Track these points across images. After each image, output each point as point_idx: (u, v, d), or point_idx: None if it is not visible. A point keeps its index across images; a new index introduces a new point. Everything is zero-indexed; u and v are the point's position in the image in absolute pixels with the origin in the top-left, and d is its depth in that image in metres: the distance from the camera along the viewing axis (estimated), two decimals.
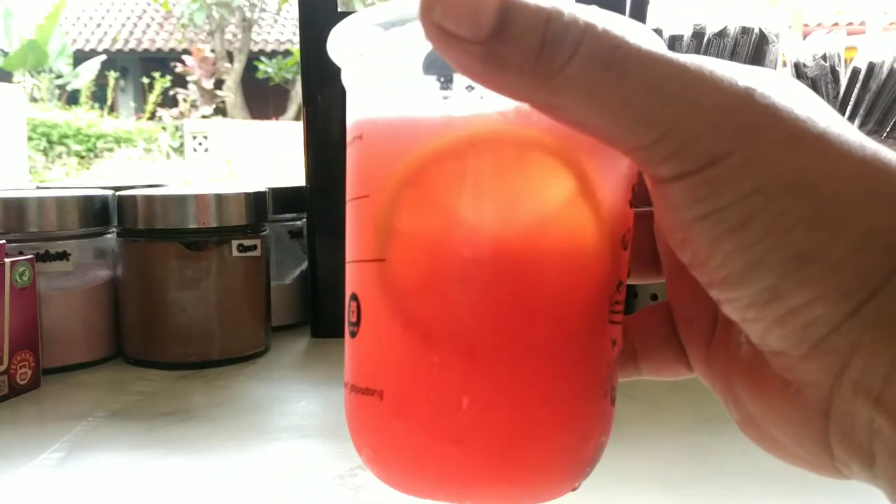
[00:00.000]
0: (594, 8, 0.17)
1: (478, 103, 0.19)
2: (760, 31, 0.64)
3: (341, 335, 0.24)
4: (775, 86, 0.18)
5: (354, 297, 0.22)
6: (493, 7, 0.16)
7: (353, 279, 0.22)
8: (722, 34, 0.65)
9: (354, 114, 0.23)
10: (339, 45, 0.22)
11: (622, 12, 0.61)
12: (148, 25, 9.50)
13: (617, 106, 0.16)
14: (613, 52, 0.16)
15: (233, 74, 8.16)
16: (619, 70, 0.16)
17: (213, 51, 8.22)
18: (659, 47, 0.17)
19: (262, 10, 8.70)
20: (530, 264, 0.20)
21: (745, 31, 0.64)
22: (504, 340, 0.20)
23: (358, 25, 0.21)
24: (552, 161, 0.20)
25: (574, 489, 0.22)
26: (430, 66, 0.20)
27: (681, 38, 0.66)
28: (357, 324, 0.22)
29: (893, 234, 0.17)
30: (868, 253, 0.17)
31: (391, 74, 0.21)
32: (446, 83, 0.20)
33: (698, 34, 0.66)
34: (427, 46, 0.18)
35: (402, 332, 0.21)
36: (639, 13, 0.66)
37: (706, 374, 0.23)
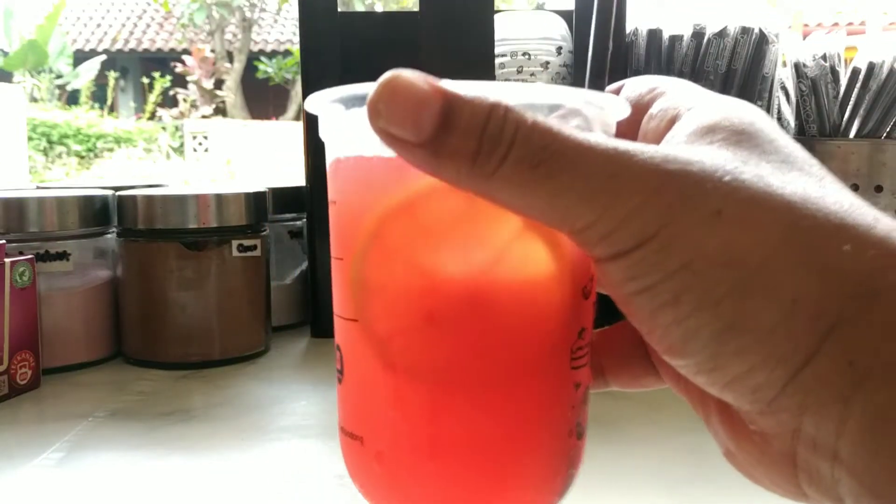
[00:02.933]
0: (540, 85, 0.18)
1: None
2: (760, 31, 0.64)
3: None
4: (712, 148, 0.18)
5: (338, 347, 0.24)
6: (435, 111, 0.17)
7: (337, 331, 0.24)
8: (722, 34, 0.65)
9: (328, 179, 0.24)
10: (318, 116, 0.24)
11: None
12: (148, 25, 9.49)
13: (546, 200, 0.18)
14: (543, 152, 0.17)
15: (233, 74, 8.16)
16: (546, 170, 0.17)
17: (213, 51, 8.22)
18: (595, 135, 0.18)
19: (262, 10, 8.70)
20: (490, 308, 0.21)
21: (745, 31, 0.64)
22: (468, 386, 0.22)
23: (324, 101, 0.22)
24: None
25: None
26: None
27: (681, 38, 0.66)
28: (342, 371, 0.24)
29: (821, 302, 0.17)
30: (798, 319, 0.17)
31: (352, 147, 0.23)
32: None
33: (698, 34, 0.66)
34: None
35: (376, 384, 0.23)
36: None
37: (684, 394, 0.23)
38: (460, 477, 0.22)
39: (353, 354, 0.23)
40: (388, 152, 0.19)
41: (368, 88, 0.19)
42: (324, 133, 0.24)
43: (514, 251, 0.21)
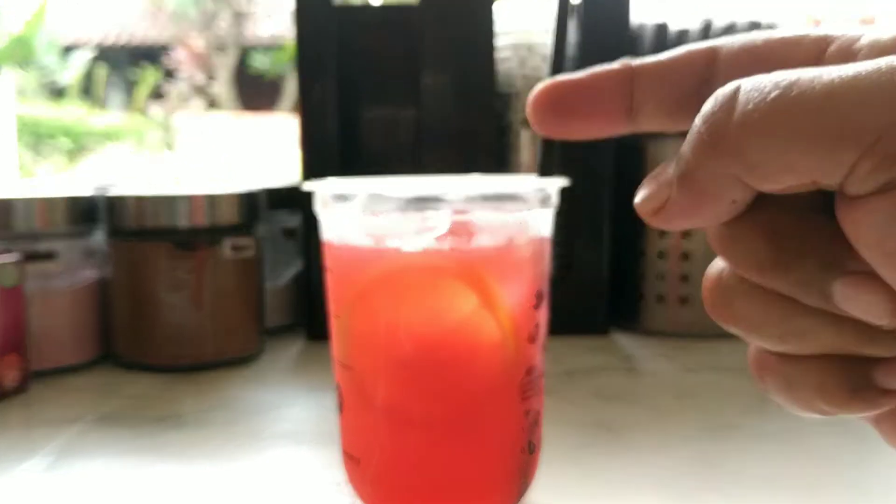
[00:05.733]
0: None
1: (406, 247, 0.27)
2: (769, 26, 0.63)
3: None
4: None
5: (337, 385, 0.31)
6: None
7: (336, 372, 0.30)
8: (730, 29, 0.64)
9: (325, 250, 0.30)
10: (314, 195, 0.30)
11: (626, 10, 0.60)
12: (138, 19, 9.45)
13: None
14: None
15: (225, 68, 8.13)
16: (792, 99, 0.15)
17: (204, 44, 8.18)
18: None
19: (255, 2, 8.66)
20: (448, 361, 0.28)
21: (754, 25, 0.64)
22: (435, 418, 0.28)
23: (321, 195, 0.29)
24: (459, 283, 0.27)
25: None
26: None
27: (688, 32, 0.66)
28: (341, 404, 0.31)
29: None
30: None
31: (342, 235, 0.29)
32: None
33: (706, 29, 0.65)
34: (362, 216, 0.28)
35: (365, 417, 0.29)
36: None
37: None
38: (434, 489, 0.29)
39: (348, 392, 0.30)
40: (368, 241, 0.28)
41: (356, 189, 0.27)
42: (318, 211, 0.30)
43: (471, 319, 0.27)
